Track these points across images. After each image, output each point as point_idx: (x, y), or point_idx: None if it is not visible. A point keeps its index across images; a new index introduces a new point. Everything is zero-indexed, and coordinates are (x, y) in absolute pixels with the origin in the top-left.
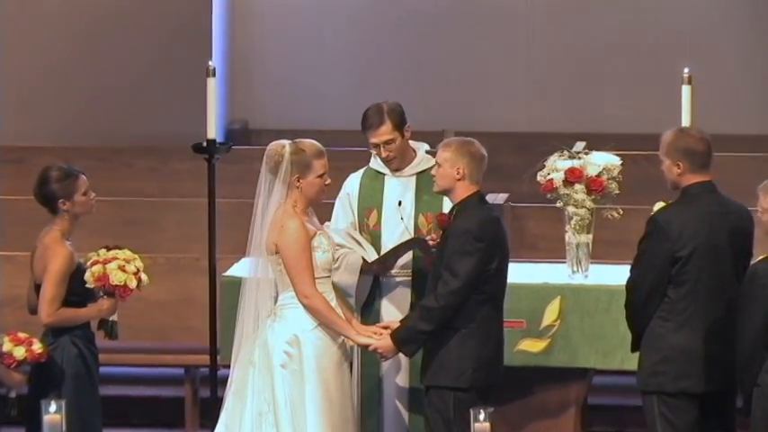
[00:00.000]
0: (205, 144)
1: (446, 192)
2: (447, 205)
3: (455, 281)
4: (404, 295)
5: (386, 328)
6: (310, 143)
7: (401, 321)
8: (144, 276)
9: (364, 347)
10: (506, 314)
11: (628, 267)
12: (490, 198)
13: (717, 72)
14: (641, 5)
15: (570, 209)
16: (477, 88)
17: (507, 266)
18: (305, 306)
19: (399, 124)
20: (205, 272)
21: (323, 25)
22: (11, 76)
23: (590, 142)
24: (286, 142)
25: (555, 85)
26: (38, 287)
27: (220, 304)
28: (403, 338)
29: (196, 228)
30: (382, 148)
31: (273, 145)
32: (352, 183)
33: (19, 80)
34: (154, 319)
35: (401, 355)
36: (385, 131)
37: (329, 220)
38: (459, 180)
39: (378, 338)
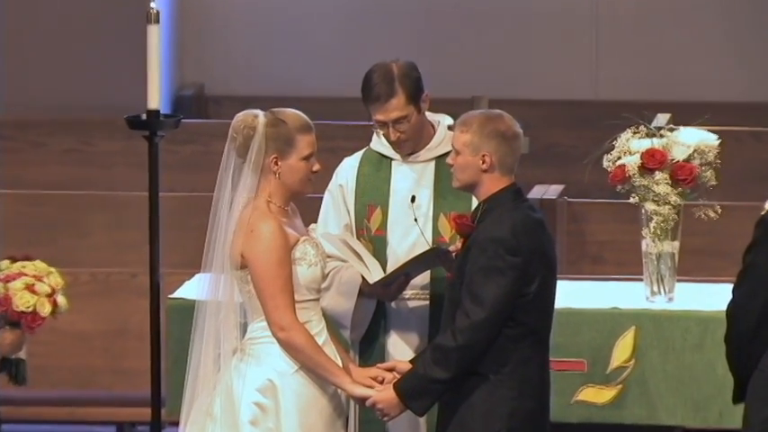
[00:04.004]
0: (145, 117)
1: (469, 187)
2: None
3: (479, 310)
4: (419, 327)
5: (390, 369)
6: (293, 113)
7: (411, 362)
8: (61, 299)
9: (360, 401)
10: (561, 352)
11: (728, 287)
12: (538, 191)
13: None
14: None
15: (649, 206)
16: (523, 42)
17: (554, 288)
18: (281, 342)
19: (414, 94)
20: (145, 292)
21: None
22: None
23: (676, 114)
24: (259, 112)
25: (628, 38)
26: None
27: (166, 337)
28: (411, 390)
29: (132, 232)
30: (391, 128)
31: (242, 116)
32: (347, 170)
33: None
34: (75, 357)
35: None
36: (396, 106)
37: (315, 221)
38: (485, 171)
39: (379, 389)
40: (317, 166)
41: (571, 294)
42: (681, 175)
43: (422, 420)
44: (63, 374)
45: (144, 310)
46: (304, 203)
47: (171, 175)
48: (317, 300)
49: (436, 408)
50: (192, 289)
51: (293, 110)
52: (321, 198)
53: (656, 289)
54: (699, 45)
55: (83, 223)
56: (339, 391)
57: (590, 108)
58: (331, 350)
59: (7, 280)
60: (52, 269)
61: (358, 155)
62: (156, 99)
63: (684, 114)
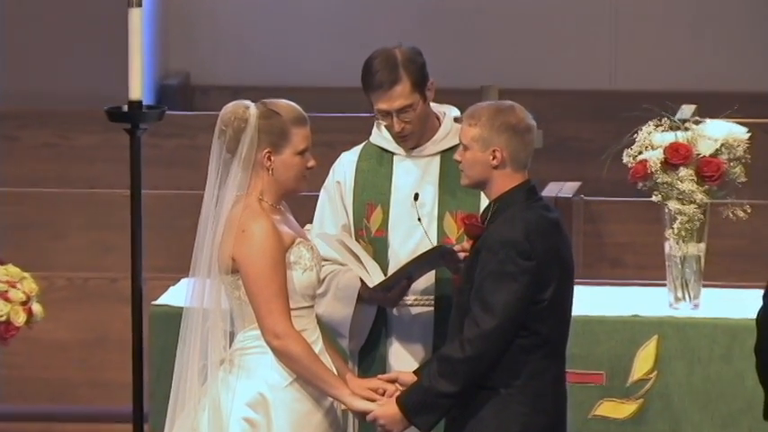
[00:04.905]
0: (126, 108)
1: (479, 185)
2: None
3: (489, 318)
4: (423, 336)
5: (393, 381)
6: (286, 104)
7: (415, 373)
8: (36, 307)
9: (360, 416)
10: (578, 363)
11: (759, 293)
12: (553, 189)
13: None
14: None
15: (673, 205)
16: (536, 27)
17: (571, 295)
18: (275, 351)
19: (420, 81)
20: (127, 299)
21: None
22: None
23: (701, 105)
24: (250, 103)
25: (650, 23)
26: None
27: (149, 348)
28: (415, 404)
29: (113, 233)
30: (395, 119)
31: (232, 107)
32: (345, 166)
33: None
34: (51, 369)
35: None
36: (400, 93)
37: (310, 222)
38: (496, 168)
39: (381, 403)
40: (312, 162)
41: (588, 301)
42: (707, 171)
43: None
44: (38, 387)
45: (125, 317)
46: (298, 203)
47: (154, 171)
48: (312, 307)
49: (442, 424)
50: (177, 295)
51: (286, 101)
52: (316, 196)
53: (680, 295)
54: (726, 31)
55: (59, 224)
56: (336, 405)
57: (608, 98)
58: (327, 361)
59: None
60: (26, 274)
61: (357, 149)
62: (138, 89)
63: (711, 105)
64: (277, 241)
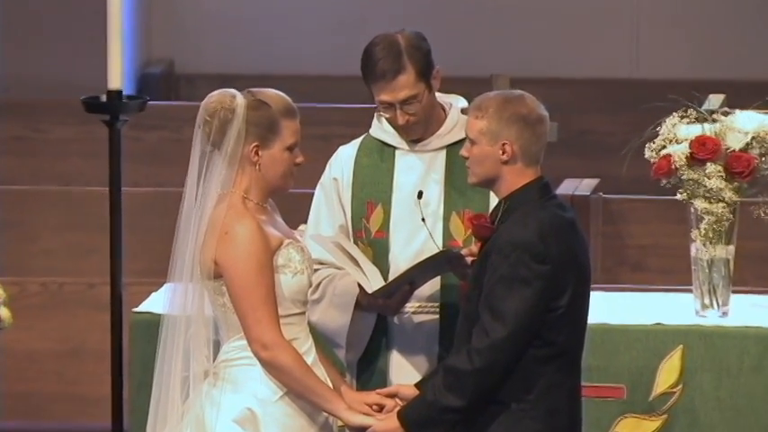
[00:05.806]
0: (105, 98)
1: (488, 183)
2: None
3: (500, 327)
4: (426, 346)
5: (392, 395)
6: (275, 94)
7: (416, 386)
8: (5, 313)
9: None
10: (596, 376)
11: None
12: (569, 186)
13: None
14: None
15: (699, 204)
16: (550, 11)
17: (588, 301)
18: (263, 362)
19: (425, 69)
20: (105, 306)
21: None
22: None
23: (730, 95)
24: (237, 92)
25: (674, 7)
26: None
27: (129, 358)
28: (418, 419)
29: (89, 234)
30: (399, 110)
31: (217, 96)
32: (343, 161)
33: None
34: (23, 382)
35: None
36: (405, 83)
37: (305, 222)
38: (506, 163)
39: (380, 418)
40: (300, 158)
41: (607, 308)
42: (737, 166)
43: None
44: (9, 402)
45: (104, 326)
46: (291, 202)
47: (135, 166)
48: (304, 313)
49: None
50: (159, 301)
51: (275, 90)
52: (311, 194)
53: (707, 301)
54: (756, 15)
55: (31, 224)
56: (330, 420)
57: (629, 88)
58: (320, 373)
59: None
60: None
61: (355, 143)
62: (117, 77)
63: (741, 95)
64: (263, 243)
